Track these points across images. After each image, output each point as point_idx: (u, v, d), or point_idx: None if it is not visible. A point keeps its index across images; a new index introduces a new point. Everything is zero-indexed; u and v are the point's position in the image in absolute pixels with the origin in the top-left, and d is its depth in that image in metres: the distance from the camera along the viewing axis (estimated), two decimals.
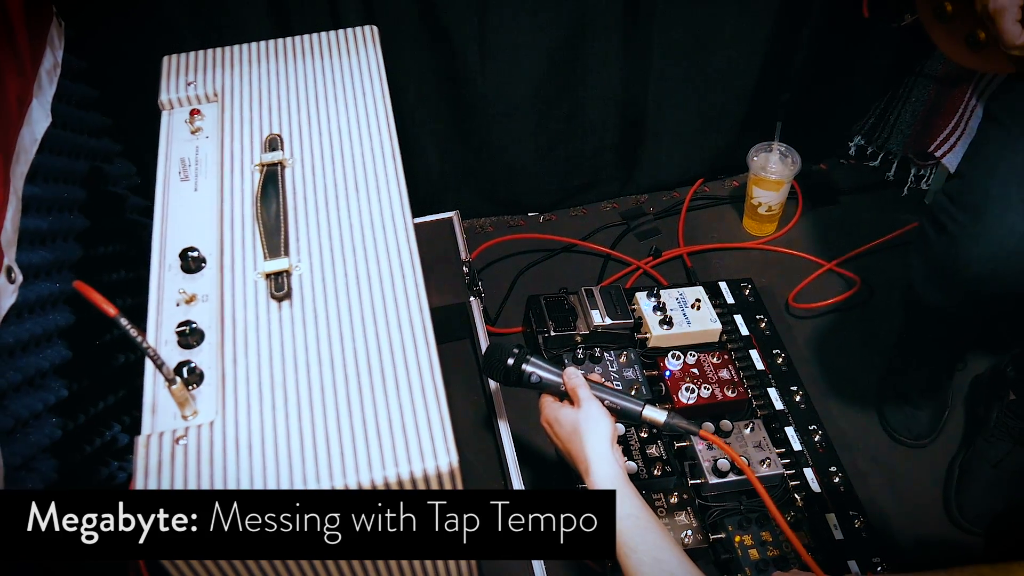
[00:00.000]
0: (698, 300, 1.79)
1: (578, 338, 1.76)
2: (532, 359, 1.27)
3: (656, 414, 1.24)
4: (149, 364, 1.03)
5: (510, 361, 1.26)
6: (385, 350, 1.05)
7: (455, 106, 1.90)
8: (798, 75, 2.06)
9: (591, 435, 1.19)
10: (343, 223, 1.17)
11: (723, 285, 1.90)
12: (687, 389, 1.64)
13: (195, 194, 1.22)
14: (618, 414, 1.24)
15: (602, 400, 1.23)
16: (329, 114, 1.29)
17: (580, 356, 1.71)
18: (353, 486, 0.94)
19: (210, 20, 1.61)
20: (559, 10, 1.79)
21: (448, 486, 0.98)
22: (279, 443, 0.97)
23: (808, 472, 1.60)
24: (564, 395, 1.26)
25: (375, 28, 1.41)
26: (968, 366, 1.88)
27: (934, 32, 1.56)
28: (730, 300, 1.88)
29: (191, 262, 1.13)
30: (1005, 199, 1.27)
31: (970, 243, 1.29)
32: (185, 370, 1.03)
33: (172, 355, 1.05)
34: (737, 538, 1.52)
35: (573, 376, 1.25)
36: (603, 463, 1.17)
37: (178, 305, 1.10)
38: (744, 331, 1.82)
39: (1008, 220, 1.26)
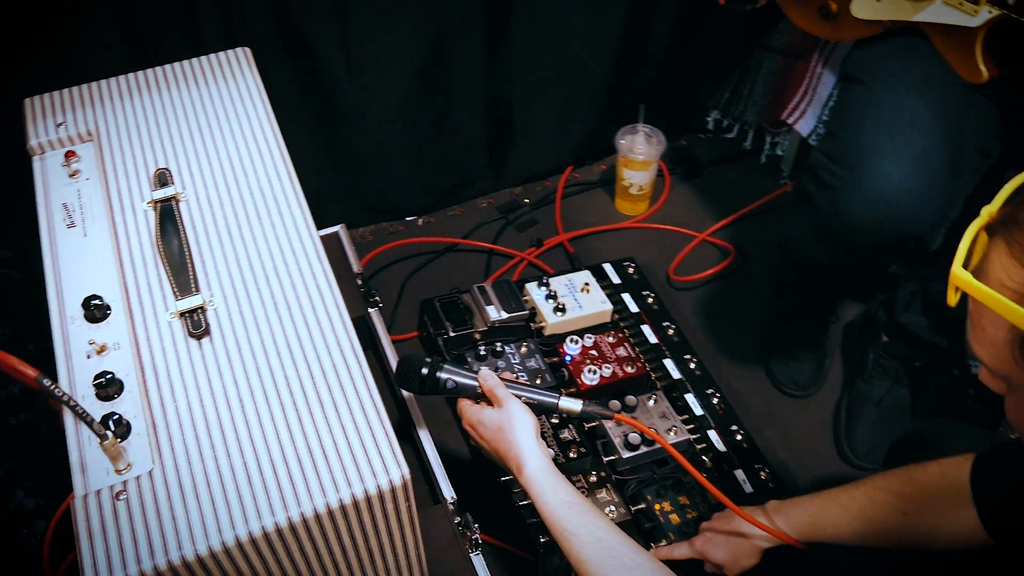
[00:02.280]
0: (587, 284, 1.84)
1: (477, 335, 1.78)
2: (446, 366, 1.28)
3: (572, 404, 1.27)
4: (69, 422, 0.99)
5: (424, 371, 1.26)
6: (316, 372, 1.04)
7: (325, 120, 1.88)
8: (654, 58, 2.14)
9: (518, 432, 1.21)
10: (250, 250, 1.15)
11: (607, 267, 1.96)
12: (589, 371, 1.69)
13: (85, 240, 1.17)
14: (535, 408, 1.26)
15: (519, 397, 1.26)
16: (216, 142, 1.27)
17: (482, 353, 1.73)
18: (309, 513, 0.94)
19: (64, 56, 1.54)
20: (420, 16, 1.80)
21: (402, 500, 0.99)
22: (225, 483, 0.95)
23: (712, 434, 1.68)
24: (481, 397, 1.28)
25: (248, 49, 1.38)
26: (840, 317, 2.00)
27: (789, 9, 1.66)
28: (616, 280, 1.94)
29: (95, 311, 1.09)
30: (878, 150, 1.37)
31: (852, 194, 1.38)
32: (111, 423, 0.99)
33: (92, 409, 1.01)
34: (657, 506, 1.58)
35: (489, 377, 1.27)
36: (534, 457, 1.19)
37: (89, 357, 1.06)
38: (634, 308, 1.88)
39: (884, 168, 1.36)
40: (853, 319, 1.98)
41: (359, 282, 1.74)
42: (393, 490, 0.97)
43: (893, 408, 1.81)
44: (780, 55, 1.86)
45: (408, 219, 2.18)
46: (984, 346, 0.82)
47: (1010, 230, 0.78)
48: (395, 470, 0.97)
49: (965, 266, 0.82)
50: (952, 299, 0.83)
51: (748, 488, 1.62)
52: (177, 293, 1.09)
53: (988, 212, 0.82)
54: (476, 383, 1.27)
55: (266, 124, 1.29)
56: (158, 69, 1.36)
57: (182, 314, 1.08)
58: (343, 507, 0.95)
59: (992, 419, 1.81)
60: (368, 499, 0.96)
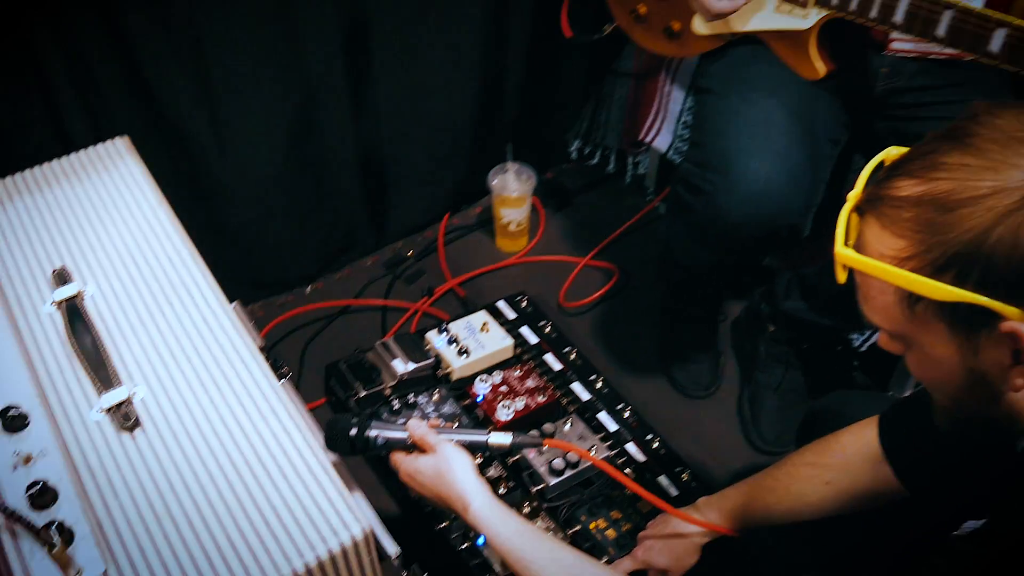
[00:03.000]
0: (485, 323, 1.88)
1: (388, 391, 1.79)
2: (373, 423, 1.28)
3: (502, 438, 1.29)
4: (6, 538, 0.96)
5: (353, 431, 1.26)
6: (256, 442, 1.04)
7: (202, 200, 1.87)
8: (513, 98, 2.21)
9: (456, 472, 1.23)
10: (166, 334, 1.14)
11: (501, 304, 2.01)
12: (503, 407, 1.72)
13: None
14: (467, 447, 1.28)
15: (450, 440, 1.28)
16: (111, 232, 1.26)
17: (396, 407, 1.75)
18: None
19: None
20: (285, 88, 1.82)
21: (364, 554, 1.00)
22: (186, 570, 0.94)
23: (630, 446, 1.74)
24: (413, 447, 1.29)
25: (126, 137, 1.37)
26: (727, 315, 2.10)
27: (634, 34, 1.76)
28: (512, 315, 1.99)
29: (13, 421, 1.06)
30: (743, 151, 1.47)
31: (725, 196, 1.48)
32: (54, 530, 0.97)
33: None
34: (592, 525, 1.62)
35: (417, 426, 1.28)
36: (478, 494, 1.21)
37: (15, 469, 1.03)
38: (534, 339, 1.93)
39: (752, 167, 1.46)
40: (739, 315, 2.08)
41: (265, 355, 1.73)
42: (356, 545, 0.98)
43: (791, 391, 1.91)
44: (631, 79, 1.96)
45: (296, 289, 2.17)
46: (878, 312, 0.91)
47: (876, 206, 0.87)
48: (354, 524, 0.98)
49: (847, 244, 0.91)
50: (841, 276, 0.92)
51: (674, 492, 1.68)
52: (99, 388, 1.07)
53: (854, 196, 0.91)
54: (406, 434, 1.28)
55: (158, 208, 1.29)
56: (36, 170, 1.34)
57: (109, 409, 1.06)
58: (310, 572, 0.95)
59: (878, 384, 1.94)
60: (333, 558, 0.97)
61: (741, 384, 2.00)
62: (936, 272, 0.82)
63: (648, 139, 1.97)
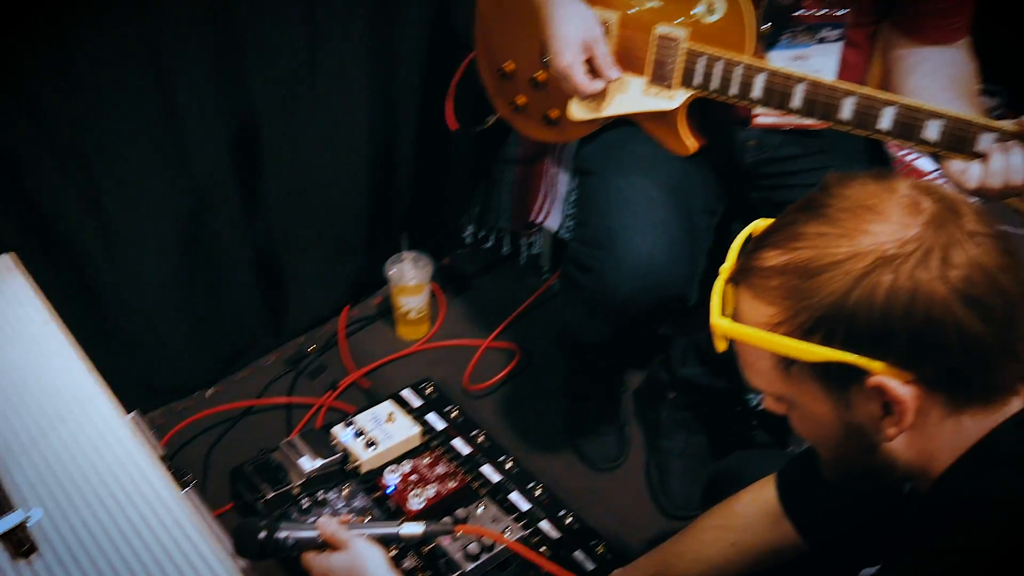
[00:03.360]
0: (391, 413, 1.88)
1: (296, 490, 1.77)
2: (282, 524, 1.27)
3: (414, 528, 1.28)
4: None
5: (262, 534, 1.25)
6: (162, 557, 1.02)
7: (94, 310, 1.84)
8: (405, 188, 2.26)
9: (369, 567, 1.22)
10: (61, 452, 1.12)
11: (406, 392, 2.02)
12: (414, 496, 1.72)
13: None
14: (379, 541, 1.28)
15: (362, 535, 1.27)
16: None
17: (305, 506, 1.73)
18: None
19: None
20: (174, 189, 1.83)
21: None
22: None
23: (544, 524, 1.75)
24: (324, 545, 1.28)
25: (13, 254, 1.36)
26: (628, 386, 2.15)
27: (515, 123, 1.83)
28: (417, 403, 1.99)
29: None
30: (626, 228, 1.53)
31: (613, 272, 1.53)
32: None
33: None
34: None
35: (328, 524, 1.27)
36: None
37: None
38: (441, 425, 1.94)
39: (635, 243, 1.52)
40: (640, 384, 2.13)
41: (166, 464, 1.69)
42: None
43: (695, 455, 1.96)
44: (518, 164, 2.03)
45: (197, 393, 2.14)
46: (757, 377, 0.96)
47: (746, 277, 0.93)
48: None
49: (723, 315, 0.96)
50: (721, 346, 0.97)
51: (590, 566, 1.69)
52: None
53: (726, 268, 0.97)
54: (316, 533, 1.27)
55: (48, 323, 1.27)
56: None
57: (2, 536, 1.03)
58: None
59: (779, 441, 2.00)
60: None
61: (648, 452, 2.04)
62: (805, 335, 0.87)
63: (539, 220, 2.04)
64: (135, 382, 2.00)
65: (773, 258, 0.90)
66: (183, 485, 1.72)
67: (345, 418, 1.87)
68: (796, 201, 0.94)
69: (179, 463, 1.95)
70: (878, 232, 0.86)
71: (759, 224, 0.98)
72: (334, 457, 1.78)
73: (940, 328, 0.83)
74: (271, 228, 2.04)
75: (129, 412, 1.72)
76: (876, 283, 0.84)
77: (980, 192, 1.33)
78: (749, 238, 0.98)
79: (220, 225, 1.94)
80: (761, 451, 1.95)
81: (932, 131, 1.35)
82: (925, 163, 1.97)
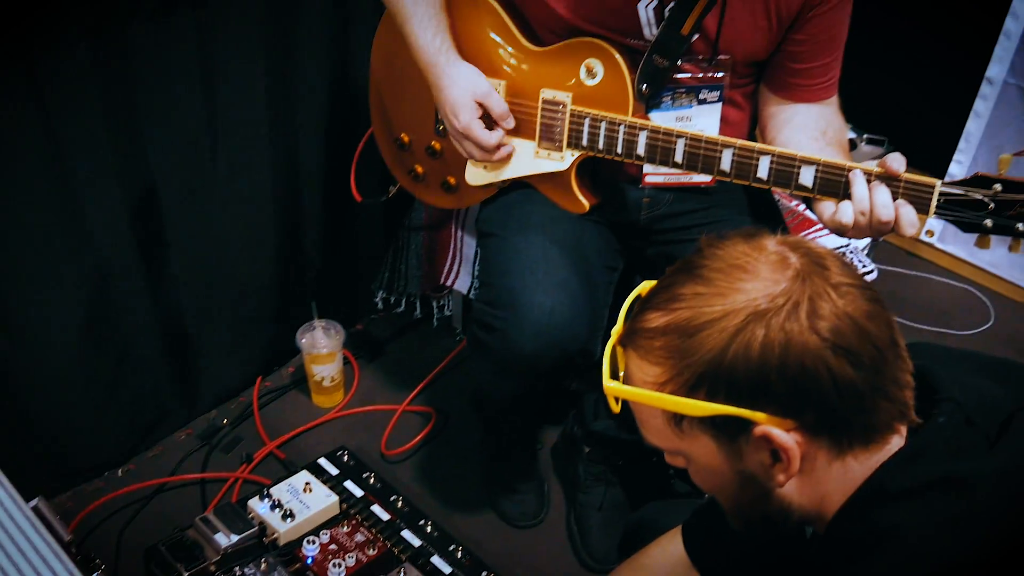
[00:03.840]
0: (307, 483, 1.86)
1: (212, 567, 1.74)
2: None
3: None
4: None
5: None
6: None
7: None
8: (313, 257, 2.27)
9: None
10: None
11: (322, 461, 2.00)
12: (334, 566, 1.71)
13: None
14: None
15: None
16: None
17: None
18: None
19: None
20: (75, 260, 1.81)
21: None
22: None
23: None
24: None
25: None
26: (543, 442, 2.17)
27: (416, 192, 1.87)
28: (334, 471, 1.98)
29: None
30: (526, 287, 1.57)
31: (517, 330, 1.55)
32: None
33: None
34: None
35: None
36: None
37: None
38: (359, 492, 1.93)
39: (536, 300, 1.55)
40: (556, 440, 2.16)
41: (72, 550, 1.65)
42: None
43: (614, 509, 1.98)
44: (423, 229, 2.06)
45: (107, 473, 2.09)
46: (652, 434, 1.00)
47: (634, 340, 0.97)
48: None
49: (614, 377, 1.00)
50: (615, 407, 1.01)
51: None
52: None
53: (616, 331, 1.01)
54: None
55: None
56: None
57: None
58: None
59: (696, 490, 2.03)
60: None
61: (567, 507, 2.06)
62: (690, 391, 0.92)
63: (449, 283, 2.07)
64: (41, 466, 1.96)
65: (655, 319, 0.94)
66: (91, 571, 1.68)
67: (261, 490, 1.85)
68: (667, 269, 0.99)
69: (90, 547, 1.92)
70: (749, 289, 0.90)
71: (646, 286, 1.02)
72: (251, 531, 1.76)
73: (815, 377, 0.88)
74: (178, 301, 2.03)
75: (33, 498, 1.69)
76: (751, 338, 0.88)
77: (854, 231, 1.41)
78: (637, 300, 1.02)
79: (125, 299, 1.92)
80: (677, 501, 1.98)
81: (806, 177, 1.42)
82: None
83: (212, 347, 2.16)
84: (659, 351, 0.93)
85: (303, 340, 2.20)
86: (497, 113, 1.60)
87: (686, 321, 0.91)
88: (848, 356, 0.88)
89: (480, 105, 1.60)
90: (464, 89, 1.59)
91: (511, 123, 1.62)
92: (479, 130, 1.59)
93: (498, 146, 1.62)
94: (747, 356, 0.88)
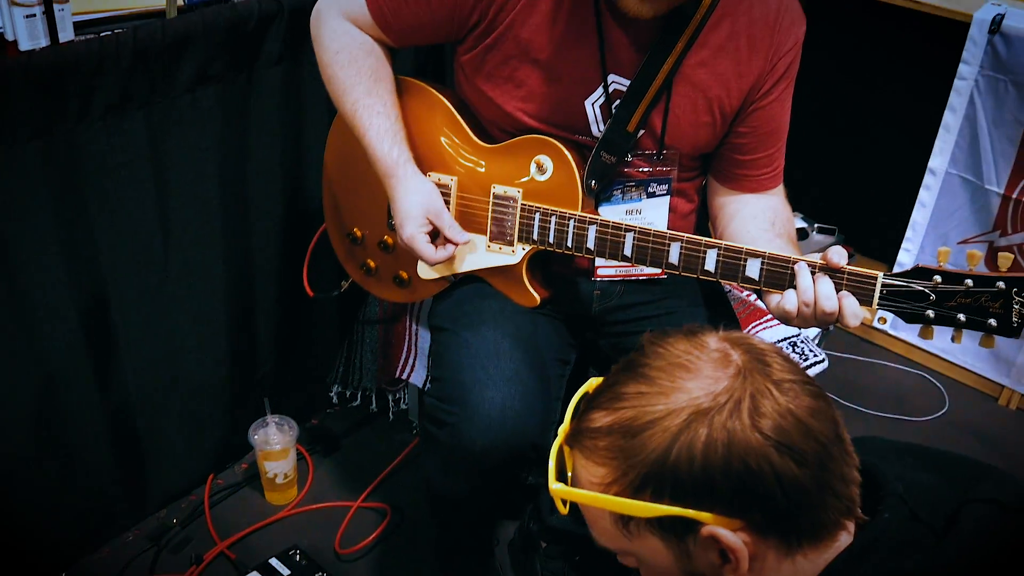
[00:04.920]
0: None
1: None
2: None
3: None
4: None
5: None
6: None
7: None
8: (266, 353, 2.25)
9: None
10: None
11: (274, 561, 1.97)
12: None
13: None
14: None
15: None
16: None
17: None
18: None
19: None
20: (27, 361, 1.78)
21: None
22: None
23: None
24: None
25: None
26: (500, 538, 2.13)
27: (368, 286, 1.87)
28: (286, 572, 1.94)
29: None
30: (477, 382, 1.56)
31: (468, 425, 1.54)
32: None
33: None
34: None
35: None
36: None
37: None
38: None
39: (487, 395, 1.54)
40: (513, 536, 2.12)
41: None
42: None
43: None
44: (378, 323, 2.06)
45: None
46: (602, 535, 0.99)
47: (579, 440, 0.96)
48: None
49: (562, 478, 0.99)
50: (562, 509, 1.00)
51: None
52: None
53: (563, 431, 1.01)
54: None
55: None
56: None
57: None
58: None
59: None
60: None
61: None
62: (636, 492, 0.91)
63: (404, 376, 2.05)
64: None
65: (599, 419, 0.94)
66: None
67: None
68: (612, 367, 0.99)
69: None
70: (691, 388, 0.90)
71: (592, 383, 1.02)
72: None
73: (759, 476, 0.88)
74: (128, 400, 2.00)
75: None
76: (693, 437, 0.88)
77: (799, 320, 1.42)
78: (583, 399, 1.01)
79: (72, 397, 1.88)
80: None
81: (753, 269, 1.44)
82: None
83: (163, 446, 2.12)
84: (603, 451, 0.93)
85: (256, 436, 2.16)
86: (447, 232, 1.62)
87: (629, 421, 0.91)
88: (792, 454, 0.88)
89: (430, 221, 1.61)
90: (417, 204, 1.60)
91: (463, 239, 1.63)
92: (422, 244, 1.61)
93: (442, 260, 1.64)
94: (690, 456, 0.88)
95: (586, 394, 1.01)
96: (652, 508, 0.90)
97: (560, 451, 1.01)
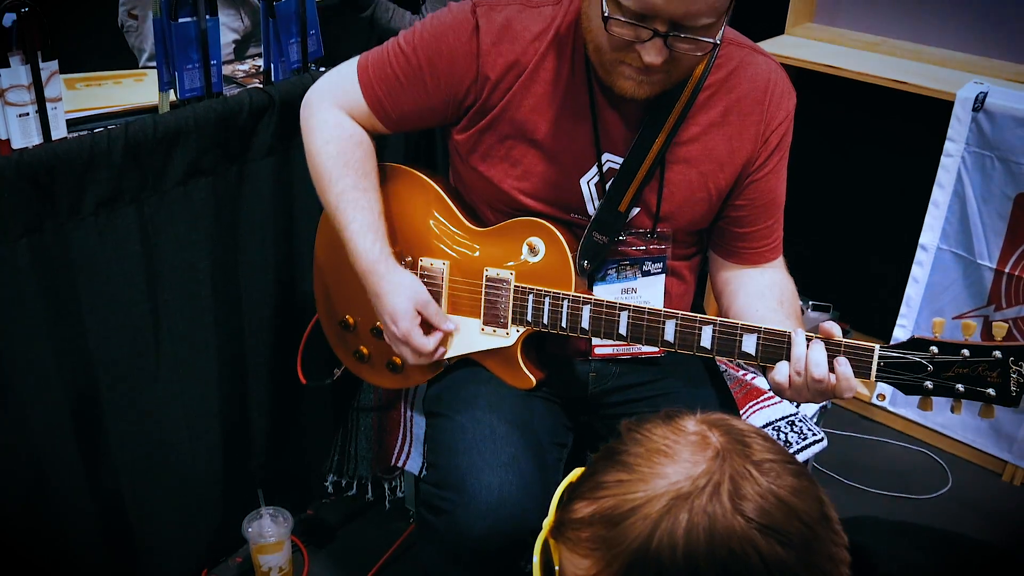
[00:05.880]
0: None
1: None
2: None
3: None
4: None
5: None
6: None
7: None
8: (260, 444, 2.22)
9: None
10: None
11: None
12: None
13: None
14: None
15: None
16: None
17: None
18: None
19: None
20: (14, 452, 1.75)
21: None
22: None
23: None
24: None
25: None
26: None
27: (361, 373, 1.86)
28: None
29: None
30: (474, 466, 1.53)
31: (465, 512, 1.51)
32: None
33: None
34: None
35: None
36: None
37: None
38: None
39: (485, 480, 1.51)
40: None
41: None
42: None
43: None
44: (373, 411, 2.04)
45: None
46: None
47: (563, 532, 0.94)
48: None
49: (548, 573, 0.97)
50: None
51: None
52: None
53: (548, 523, 0.99)
54: None
55: None
56: None
57: None
58: None
59: None
60: None
61: None
62: None
63: (400, 464, 2.02)
64: None
65: (581, 509, 0.92)
66: None
67: None
68: (592, 457, 0.97)
69: None
70: (670, 473, 0.88)
71: (576, 474, 1.00)
72: None
73: (744, 561, 0.85)
74: (119, 493, 1.96)
75: None
76: (674, 523, 0.86)
77: (792, 391, 1.42)
78: (567, 490, 0.99)
79: (62, 490, 1.85)
80: None
81: (749, 345, 1.44)
82: (763, 382, 2.07)
83: (155, 540, 2.07)
84: (586, 543, 0.90)
85: (249, 529, 2.12)
86: (435, 321, 1.63)
87: (610, 510, 0.89)
88: (777, 536, 0.86)
89: (419, 313, 1.61)
90: (405, 298, 1.61)
91: (450, 327, 1.64)
92: (418, 337, 1.61)
93: (435, 350, 1.63)
94: (672, 543, 0.86)
95: (570, 484, 1.00)
96: None
97: (545, 545, 0.98)
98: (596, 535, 0.89)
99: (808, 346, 1.39)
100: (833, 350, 1.39)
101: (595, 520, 0.90)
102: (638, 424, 0.95)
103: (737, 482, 0.87)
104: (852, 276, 3.02)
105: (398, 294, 1.61)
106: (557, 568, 0.96)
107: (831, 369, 1.39)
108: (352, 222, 1.62)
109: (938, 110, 2.45)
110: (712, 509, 0.86)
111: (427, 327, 1.64)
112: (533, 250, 1.60)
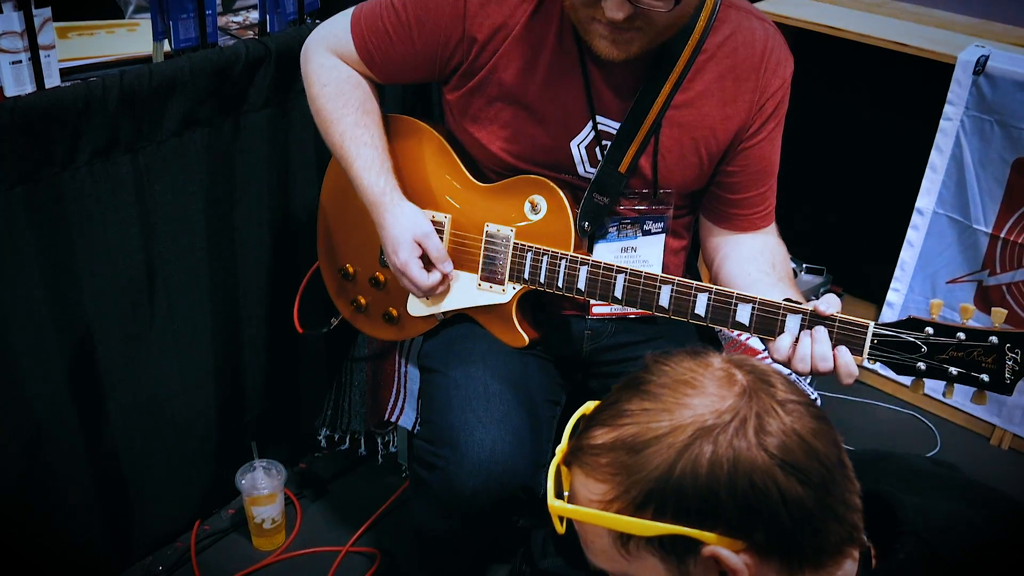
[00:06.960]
0: None
1: None
2: None
3: None
4: None
5: None
6: None
7: None
8: (254, 396, 2.23)
9: None
10: None
11: None
12: None
13: None
14: None
15: None
16: None
17: None
18: None
19: None
20: (11, 409, 1.76)
21: None
22: None
23: None
24: None
25: None
26: None
27: (358, 323, 1.86)
28: None
29: None
30: (468, 424, 1.54)
31: (458, 468, 1.52)
32: None
33: None
34: None
35: None
36: None
37: None
38: None
39: (477, 436, 1.52)
40: None
41: None
42: None
43: None
44: (367, 362, 2.04)
45: None
46: (598, 556, 0.97)
47: (579, 456, 0.95)
48: None
49: (560, 496, 0.97)
50: (559, 528, 0.98)
51: None
52: None
53: (561, 450, 1.00)
54: None
55: None
56: None
57: None
58: None
59: None
60: None
61: None
62: (637, 510, 0.90)
63: (393, 418, 2.03)
64: None
65: (601, 436, 0.93)
66: None
67: None
68: (613, 386, 0.98)
69: None
70: (696, 404, 0.90)
71: (590, 406, 1.01)
72: None
73: (764, 495, 0.87)
74: (114, 446, 1.97)
75: None
76: (698, 454, 0.87)
77: (789, 362, 1.42)
78: (581, 419, 1.00)
79: (57, 442, 1.86)
80: None
81: (743, 315, 1.44)
82: (757, 343, 2.07)
83: (149, 491, 2.09)
84: (605, 468, 0.91)
85: (243, 481, 2.13)
86: (434, 256, 1.62)
87: (632, 437, 0.90)
88: (797, 474, 0.87)
89: (419, 245, 1.61)
90: (405, 228, 1.61)
91: (448, 266, 1.64)
92: (416, 270, 1.61)
93: (434, 287, 1.63)
94: (695, 473, 0.87)
95: (583, 415, 1.01)
96: (653, 527, 0.88)
97: (558, 470, 0.99)
98: (616, 461, 0.90)
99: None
100: (828, 327, 1.39)
101: (616, 446, 0.91)
102: (664, 356, 0.97)
103: (763, 419, 0.89)
104: (846, 239, 3.01)
105: (399, 224, 1.61)
106: (567, 493, 0.97)
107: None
108: (357, 159, 1.63)
109: (939, 73, 2.44)
110: (737, 443, 0.87)
111: (429, 266, 1.64)
112: (535, 208, 1.60)
